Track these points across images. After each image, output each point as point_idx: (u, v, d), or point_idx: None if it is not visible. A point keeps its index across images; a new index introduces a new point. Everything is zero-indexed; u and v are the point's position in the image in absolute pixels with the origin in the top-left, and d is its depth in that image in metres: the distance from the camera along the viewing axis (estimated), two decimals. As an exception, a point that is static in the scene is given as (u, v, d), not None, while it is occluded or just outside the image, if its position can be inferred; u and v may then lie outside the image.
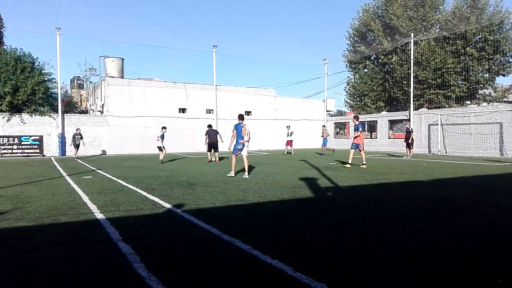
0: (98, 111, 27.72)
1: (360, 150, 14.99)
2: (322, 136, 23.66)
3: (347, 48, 37.31)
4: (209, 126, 19.22)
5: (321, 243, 4.71)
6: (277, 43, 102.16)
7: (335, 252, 4.36)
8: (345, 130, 35.26)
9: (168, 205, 7.06)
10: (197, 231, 5.33)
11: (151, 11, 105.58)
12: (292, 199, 7.83)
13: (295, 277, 3.57)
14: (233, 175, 11.74)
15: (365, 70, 35.66)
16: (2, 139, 23.08)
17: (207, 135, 18.34)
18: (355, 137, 15.11)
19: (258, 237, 4.90)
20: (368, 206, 7.22)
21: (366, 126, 33.63)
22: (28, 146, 23.74)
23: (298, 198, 7.96)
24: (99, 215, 6.21)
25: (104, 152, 26.16)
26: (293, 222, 5.82)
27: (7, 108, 23.30)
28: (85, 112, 30.97)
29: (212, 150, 18.42)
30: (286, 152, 24.56)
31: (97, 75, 34.80)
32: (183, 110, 29.20)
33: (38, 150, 23.90)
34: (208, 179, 11.16)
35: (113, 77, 28.23)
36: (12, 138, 23.32)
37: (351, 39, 36.36)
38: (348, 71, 37.88)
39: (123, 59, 30.13)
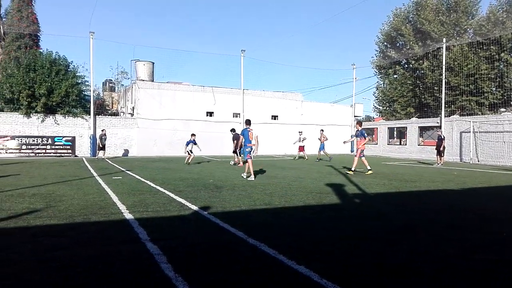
0: (129, 113, 28.37)
1: (355, 156, 14.61)
2: (320, 140, 23.32)
3: (375, 54, 36.89)
4: (233, 130, 19.31)
5: (348, 250, 4.65)
6: (305, 47, 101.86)
7: (361, 259, 4.29)
8: (373, 136, 34.68)
9: (194, 207, 7.14)
10: (223, 233, 5.36)
11: (181, 16, 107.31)
12: (318, 204, 7.77)
13: (321, 284, 3.54)
14: (253, 178, 11.93)
15: (395, 76, 35.06)
16: (37, 139, 23.92)
17: (235, 140, 18.43)
18: (362, 144, 14.75)
19: (284, 242, 4.88)
20: (395, 213, 7.09)
21: (395, 132, 33.03)
22: (61, 147, 24.48)
23: (325, 204, 7.90)
24: (128, 215, 6.34)
25: (126, 152, 26.65)
26: (319, 228, 5.77)
27: (42, 109, 24.16)
28: (116, 114, 31.72)
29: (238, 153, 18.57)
30: (305, 158, 24.12)
31: (128, 78, 35.60)
32: (210, 114, 29.48)
33: (70, 151, 24.61)
34: (234, 182, 11.22)
35: (143, 80, 28.80)
36: (46, 139, 24.11)
37: (380, 44, 35.90)
38: (377, 76, 37.41)
39: (153, 63, 30.69)
